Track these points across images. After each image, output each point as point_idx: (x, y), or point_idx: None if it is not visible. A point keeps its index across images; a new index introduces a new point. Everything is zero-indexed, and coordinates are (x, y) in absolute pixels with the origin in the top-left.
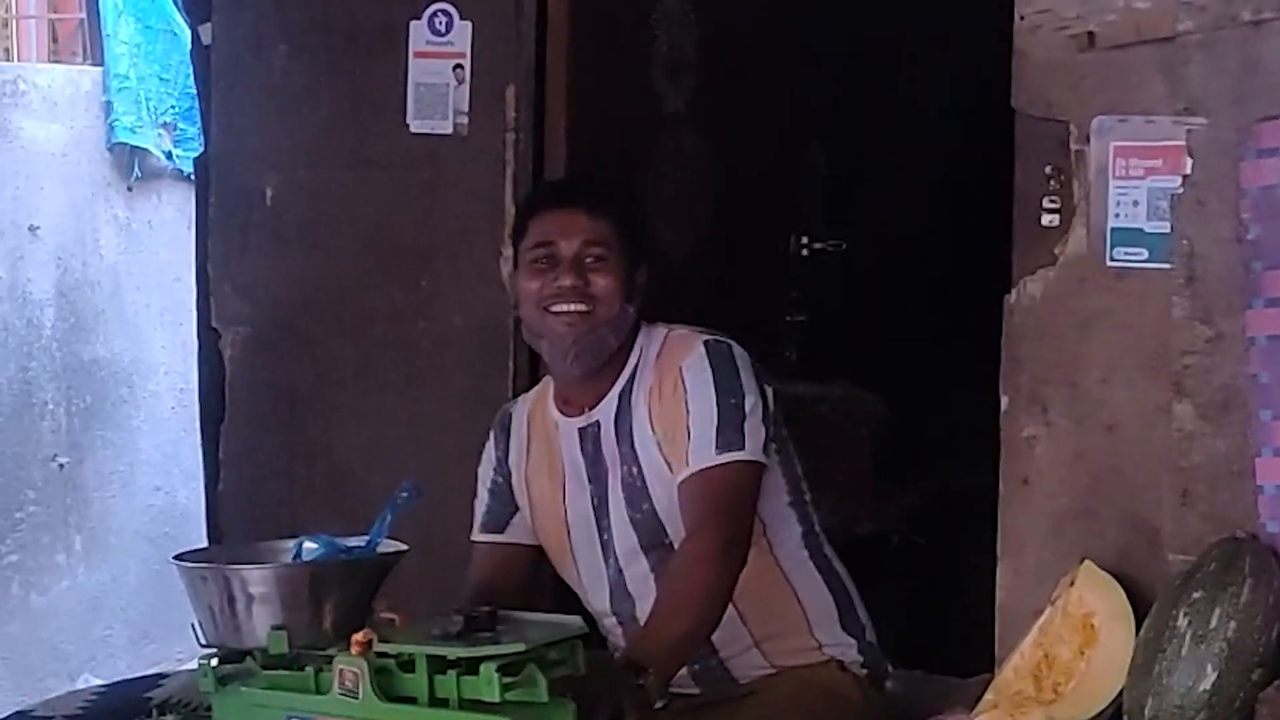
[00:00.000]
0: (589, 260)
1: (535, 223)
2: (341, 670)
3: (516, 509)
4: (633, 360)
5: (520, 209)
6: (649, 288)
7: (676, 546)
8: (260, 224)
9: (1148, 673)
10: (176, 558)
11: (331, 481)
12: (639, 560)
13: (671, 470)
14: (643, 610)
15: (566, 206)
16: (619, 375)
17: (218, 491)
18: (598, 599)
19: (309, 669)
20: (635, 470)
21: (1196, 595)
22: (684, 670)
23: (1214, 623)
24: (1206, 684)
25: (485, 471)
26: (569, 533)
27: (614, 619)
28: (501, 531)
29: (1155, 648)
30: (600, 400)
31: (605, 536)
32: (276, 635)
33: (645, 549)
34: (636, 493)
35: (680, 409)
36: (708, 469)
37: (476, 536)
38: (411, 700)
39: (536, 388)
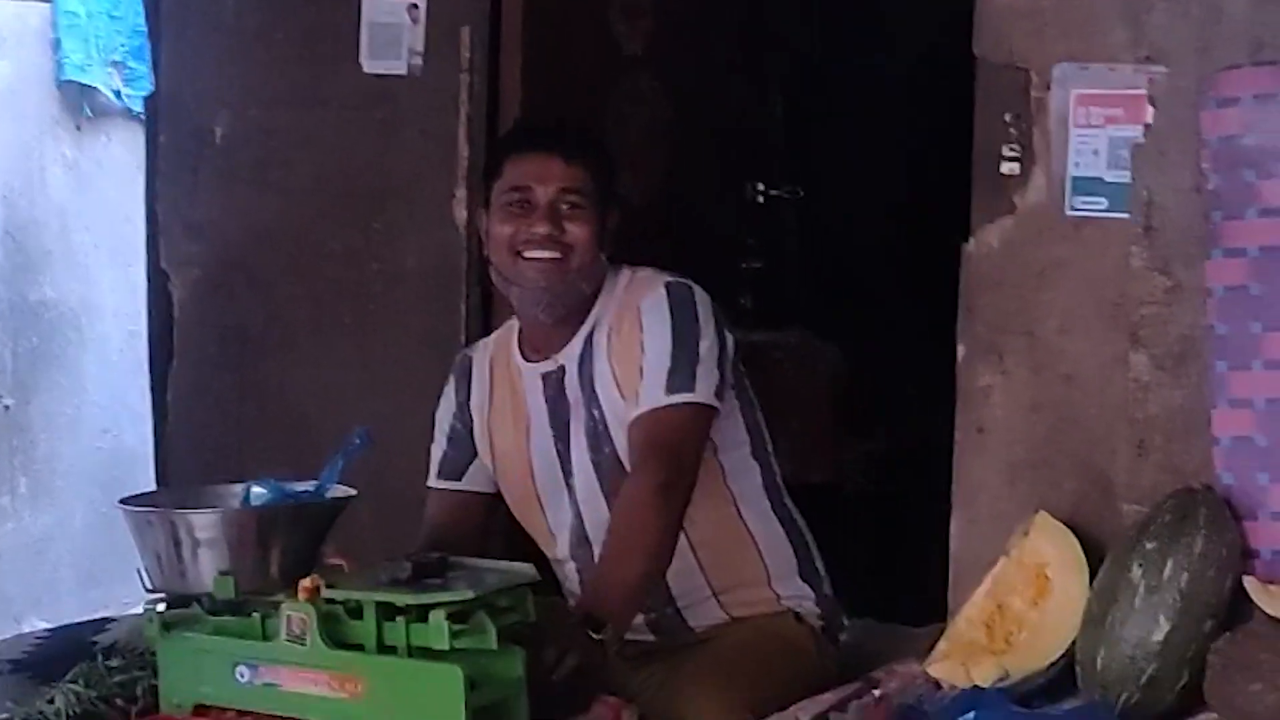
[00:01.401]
0: (564, 207)
1: (510, 165)
2: (289, 617)
3: (474, 456)
4: (599, 304)
5: (495, 148)
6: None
7: None
8: (211, 163)
9: (1100, 623)
10: (122, 501)
11: (282, 424)
12: (599, 504)
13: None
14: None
15: (543, 151)
16: (585, 319)
17: (166, 434)
18: (560, 545)
19: (256, 615)
20: (597, 413)
21: (1150, 546)
22: (640, 618)
23: (1167, 574)
24: (1159, 635)
25: (444, 417)
26: (534, 479)
27: (573, 564)
28: (459, 479)
29: (1108, 598)
30: (565, 344)
31: (569, 481)
32: (223, 581)
33: (606, 493)
34: (598, 435)
35: (636, 347)
36: (656, 409)
37: (432, 483)
38: (360, 647)
39: (497, 333)
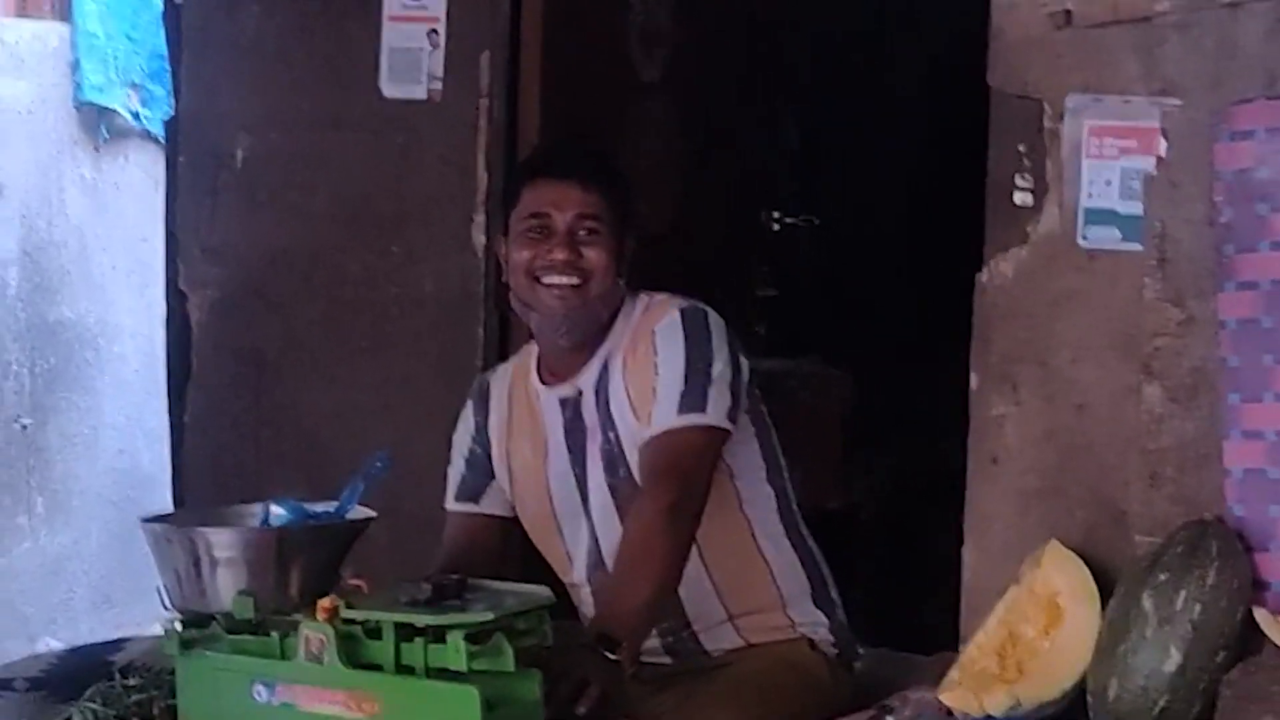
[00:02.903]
0: (582, 233)
1: (528, 192)
2: (307, 636)
3: (492, 478)
4: (616, 329)
5: (512, 175)
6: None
7: None
8: (230, 186)
9: (1112, 653)
10: (143, 520)
11: (298, 446)
12: (615, 527)
13: None
14: None
15: (560, 177)
16: (602, 344)
17: (182, 455)
18: (576, 569)
19: (274, 635)
20: (613, 436)
21: (1162, 577)
22: (656, 641)
23: (1179, 605)
24: (1171, 665)
25: (461, 440)
26: (552, 502)
27: (589, 588)
28: (476, 501)
29: (1120, 628)
30: (583, 369)
31: (586, 504)
32: (242, 600)
33: (621, 516)
34: (614, 458)
35: (650, 370)
36: (667, 431)
37: (450, 505)
38: (377, 668)
39: (516, 357)
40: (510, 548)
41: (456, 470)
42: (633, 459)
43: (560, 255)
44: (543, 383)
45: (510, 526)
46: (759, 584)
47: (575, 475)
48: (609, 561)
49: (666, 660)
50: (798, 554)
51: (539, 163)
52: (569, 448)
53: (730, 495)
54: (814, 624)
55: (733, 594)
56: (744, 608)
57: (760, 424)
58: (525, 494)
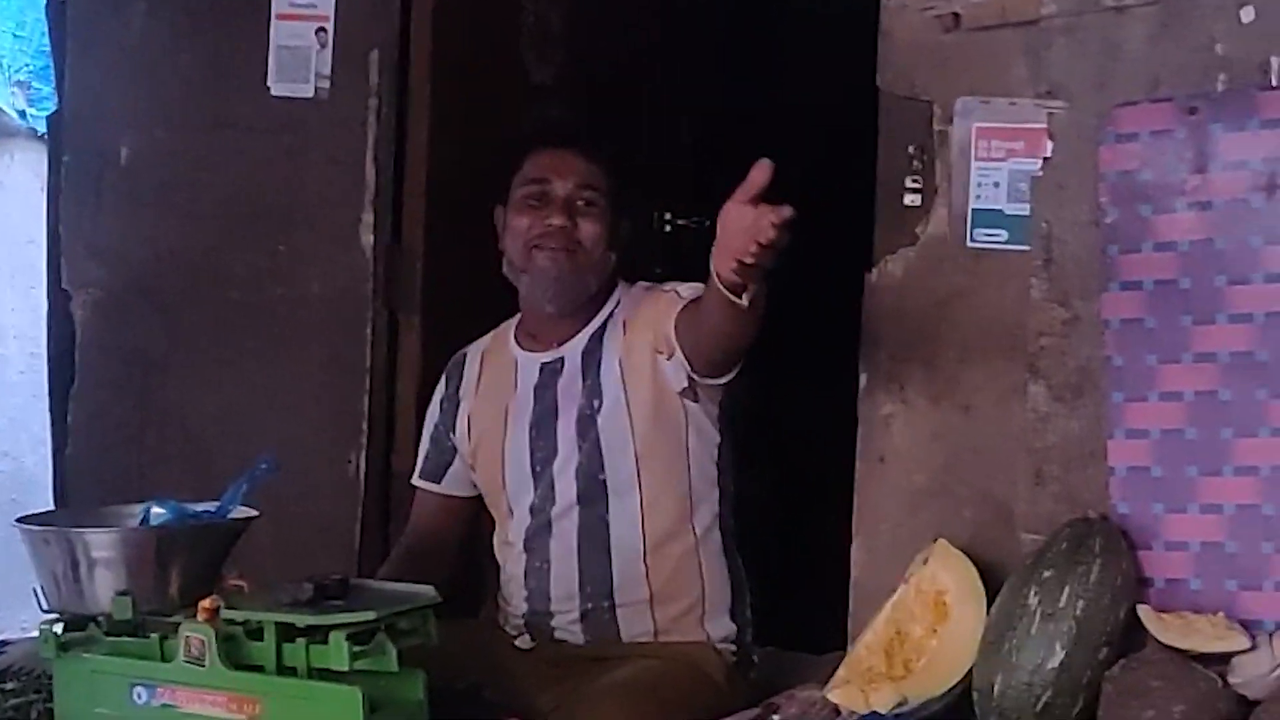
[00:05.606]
0: (580, 203)
1: (531, 160)
2: (188, 637)
3: (453, 459)
4: (609, 306)
5: (518, 146)
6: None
7: (609, 484)
8: (115, 185)
9: (998, 650)
10: (19, 520)
11: (184, 449)
12: (570, 484)
13: (629, 407)
14: (560, 533)
15: (563, 147)
16: (592, 318)
17: (66, 457)
18: (515, 527)
19: (154, 636)
20: (596, 403)
21: (1047, 574)
22: (574, 613)
23: (1063, 601)
24: (1055, 662)
25: (430, 417)
26: (504, 461)
27: (523, 545)
28: (437, 481)
29: (1005, 625)
30: (570, 339)
31: (541, 465)
32: (121, 601)
33: (578, 476)
34: (586, 422)
35: (659, 302)
36: (696, 290)
37: (416, 481)
38: (259, 669)
39: (491, 333)
40: (475, 528)
41: (424, 447)
42: (606, 430)
43: (557, 221)
44: (522, 348)
45: (473, 506)
46: (686, 581)
47: (532, 438)
48: (556, 517)
49: (579, 636)
50: (728, 563)
51: (543, 133)
52: (535, 409)
53: (684, 486)
54: (725, 638)
55: (661, 579)
56: (667, 594)
57: (724, 425)
58: (483, 452)
